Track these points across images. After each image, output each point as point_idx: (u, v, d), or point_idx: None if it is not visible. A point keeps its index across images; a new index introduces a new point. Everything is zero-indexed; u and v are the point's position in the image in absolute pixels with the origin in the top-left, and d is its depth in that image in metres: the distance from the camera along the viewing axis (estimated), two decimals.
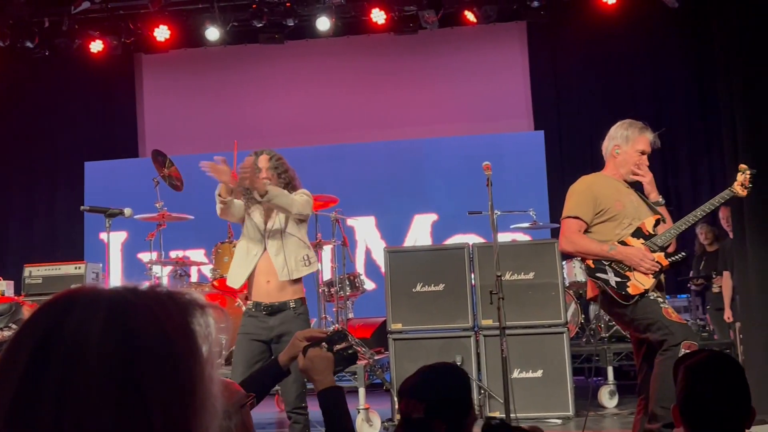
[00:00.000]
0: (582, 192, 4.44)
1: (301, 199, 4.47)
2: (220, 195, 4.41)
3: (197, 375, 0.87)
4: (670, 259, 4.34)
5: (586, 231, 4.42)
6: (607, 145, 4.58)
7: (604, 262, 4.33)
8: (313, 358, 2.39)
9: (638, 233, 4.37)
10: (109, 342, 0.83)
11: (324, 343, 2.43)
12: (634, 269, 4.27)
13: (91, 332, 0.83)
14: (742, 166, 4.54)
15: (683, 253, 4.44)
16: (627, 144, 4.50)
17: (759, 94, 6.12)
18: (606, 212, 4.39)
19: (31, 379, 0.82)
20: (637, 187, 4.72)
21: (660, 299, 4.26)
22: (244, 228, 4.61)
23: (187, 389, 0.85)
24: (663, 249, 4.35)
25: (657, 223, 4.42)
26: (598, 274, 4.33)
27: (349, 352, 2.44)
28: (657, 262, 4.29)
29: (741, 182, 4.47)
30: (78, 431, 0.80)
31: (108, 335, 0.83)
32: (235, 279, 4.56)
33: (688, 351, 3.97)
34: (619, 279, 4.29)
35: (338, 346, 2.43)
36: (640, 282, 4.26)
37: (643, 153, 4.48)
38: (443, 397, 1.93)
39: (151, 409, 0.82)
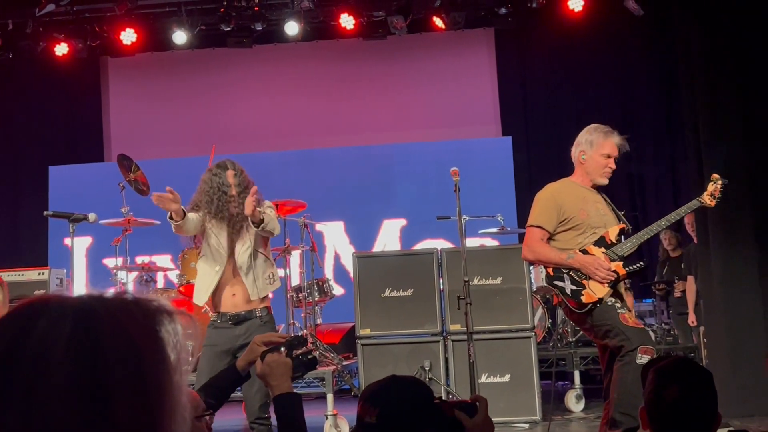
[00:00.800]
0: (546, 200, 4.48)
1: (275, 217, 4.48)
2: (171, 218, 4.35)
3: (165, 384, 0.85)
4: (627, 269, 4.38)
5: (550, 238, 4.47)
6: (574, 151, 4.62)
7: (563, 270, 4.38)
8: (271, 363, 2.37)
9: (601, 242, 4.41)
10: (75, 353, 0.81)
11: (283, 348, 2.40)
12: (590, 278, 4.32)
13: (57, 343, 0.82)
14: (715, 176, 4.56)
15: (641, 264, 4.46)
16: (592, 149, 4.53)
17: (721, 100, 6.22)
18: (570, 221, 4.43)
19: None
20: (608, 193, 4.78)
21: (618, 305, 4.31)
22: (204, 244, 4.56)
23: (155, 398, 0.84)
24: (623, 258, 4.39)
25: (621, 232, 4.45)
26: (556, 282, 4.40)
27: (309, 357, 2.42)
28: (614, 271, 4.33)
29: (711, 192, 4.51)
30: (44, 430, 0.79)
31: (74, 346, 0.82)
32: (199, 296, 4.55)
33: (644, 356, 4.04)
34: (574, 287, 4.34)
35: (297, 351, 2.40)
36: (593, 291, 4.31)
37: (608, 157, 4.50)
38: (396, 408, 1.93)
39: (119, 419, 0.81)
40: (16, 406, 0.79)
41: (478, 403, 2.05)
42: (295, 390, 2.41)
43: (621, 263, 4.36)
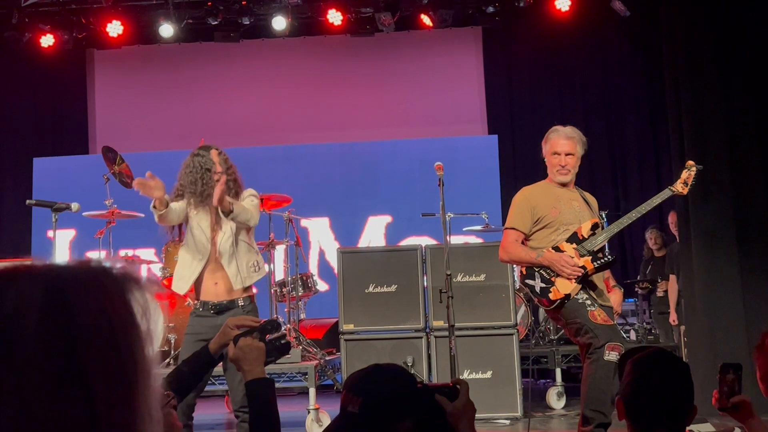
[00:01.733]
0: (519, 203, 4.63)
1: (254, 207, 4.44)
2: (155, 207, 4.33)
3: (138, 352, 0.85)
4: (595, 264, 4.43)
5: (527, 239, 4.58)
6: None
7: (535, 269, 4.49)
8: (244, 347, 2.36)
9: (573, 238, 4.50)
10: (47, 322, 0.80)
11: (256, 333, 2.39)
12: (558, 275, 4.39)
13: (29, 312, 0.80)
14: (690, 162, 4.65)
15: (609, 258, 4.51)
16: (545, 149, 4.71)
17: (705, 101, 6.27)
18: (542, 220, 4.55)
19: None
20: (592, 192, 4.86)
21: (588, 302, 4.37)
22: (187, 233, 4.53)
23: (129, 367, 0.83)
24: (592, 253, 4.45)
25: (594, 227, 4.52)
26: (527, 280, 4.52)
27: (282, 342, 2.41)
28: (583, 266, 4.39)
29: (684, 179, 4.57)
30: (18, 413, 0.78)
31: (46, 315, 0.81)
32: (179, 284, 4.47)
33: (612, 352, 4.10)
34: (543, 285, 4.44)
35: (271, 336, 2.39)
36: (560, 288, 4.39)
37: (557, 154, 4.61)
38: (379, 397, 1.93)
39: (93, 388, 0.80)
40: None
41: (459, 387, 2.06)
42: (277, 384, 2.40)
43: (590, 258, 4.43)
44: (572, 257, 4.41)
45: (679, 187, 4.58)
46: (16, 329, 0.80)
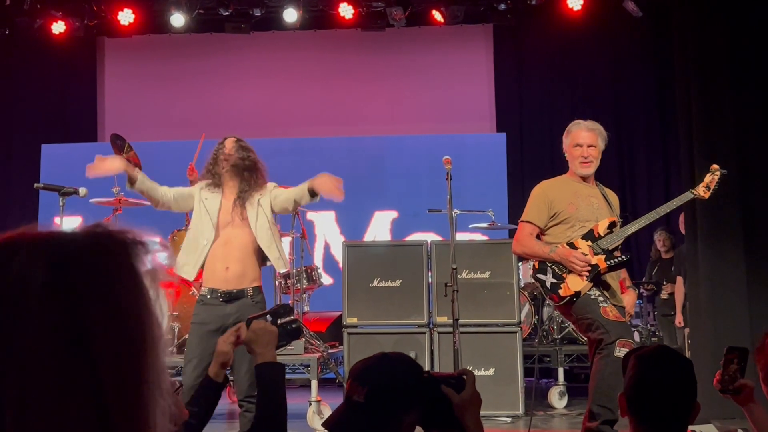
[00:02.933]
0: (537, 197, 4.59)
1: (288, 192, 4.58)
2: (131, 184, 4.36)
3: (145, 319, 0.82)
4: (608, 263, 4.38)
5: (543, 233, 4.52)
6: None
7: (547, 264, 4.45)
8: (257, 330, 2.35)
9: (589, 235, 4.46)
10: (51, 290, 0.78)
11: (268, 316, 2.39)
12: (570, 271, 4.36)
13: (34, 280, 0.78)
14: (714, 166, 4.56)
15: (623, 257, 4.46)
16: (566, 143, 4.67)
17: (715, 103, 6.24)
18: (559, 215, 4.51)
19: None
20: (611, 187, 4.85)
21: (600, 298, 4.35)
22: (195, 217, 4.51)
23: (136, 335, 0.80)
24: (606, 252, 4.41)
25: (611, 225, 4.47)
26: (539, 275, 4.49)
27: (293, 326, 2.40)
28: (595, 264, 4.35)
29: (707, 183, 4.50)
30: (22, 382, 0.76)
31: (50, 283, 0.78)
32: (186, 269, 4.40)
33: (623, 349, 4.08)
34: (554, 280, 4.42)
35: (282, 320, 2.39)
36: (571, 284, 4.36)
37: (579, 146, 4.58)
38: (385, 387, 1.90)
39: (101, 359, 0.78)
40: None
41: (465, 377, 2.03)
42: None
43: (603, 257, 4.38)
44: (586, 254, 4.37)
45: (701, 190, 4.51)
46: (19, 304, 0.77)
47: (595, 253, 4.39)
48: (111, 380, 0.78)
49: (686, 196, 4.55)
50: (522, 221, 4.59)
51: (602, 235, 4.44)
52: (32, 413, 0.75)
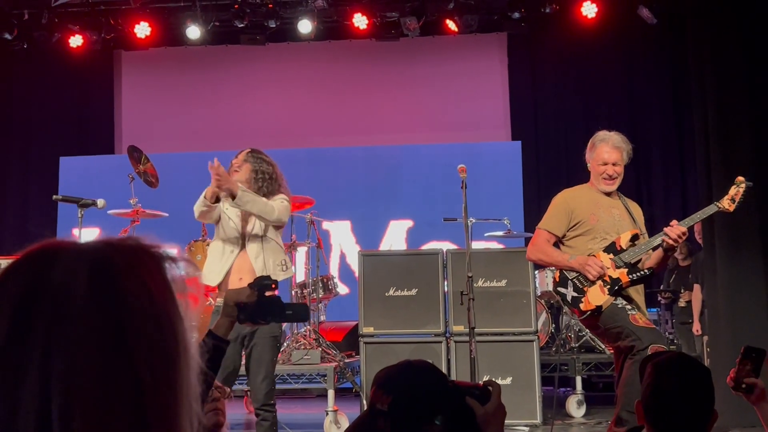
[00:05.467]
0: (558, 205, 4.50)
1: (279, 206, 4.44)
2: (206, 197, 4.37)
3: (179, 330, 0.86)
4: (630, 277, 4.28)
5: (560, 242, 4.46)
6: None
7: (568, 277, 4.35)
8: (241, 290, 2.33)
9: (611, 248, 4.35)
10: (94, 297, 0.81)
11: (255, 287, 2.31)
12: (592, 284, 4.27)
13: (77, 287, 0.81)
14: (739, 178, 4.38)
15: (645, 271, 4.32)
16: (591, 156, 4.55)
17: (731, 111, 6.22)
18: (580, 225, 4.41)
19: (17, 333, 0.80)
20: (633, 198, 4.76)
21: (628, 307, 4.26)
22: (218, 227, 4.57)
23: (171, 344, 0.85)
24: (629, 265, 4.29)
25: (633, 238, 4.36)
26: (559, 288, 4.39)
27: (279, 304, 2.30)
28: (617, 278, 4.26)
29: (732, 196, 4.33)
30: (65, 386, 0.78)
31: (93, 291, 0.82)
32: (211, 276, 4.44)
33: None
34: (575, 294, 4.32)
35: (269, 293, 2.33)
36: (592, 298, 4.26)
37: (604, 164, 4.46)
38: (410, 396, 1.89)
39: (138, 365, 0.81)
40: (38, 347, 0.79)
41: (491, 388, 2.01)
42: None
43: (626, 270, 4.28)
44: (608, 268, 4.27)
45: (726, 203, 4.32)
46: (64, 303, 0.80)
47: (617, 267, 4.28)
48: (149, 382, 0.82)
49: (710, 209, 4.37)
50: (539, 228, 4.50)
51: (624, 248, 4.32)
52: (77, 411, 0.78)
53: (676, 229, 4.21)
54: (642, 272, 4.33)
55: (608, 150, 4.48)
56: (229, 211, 4.49)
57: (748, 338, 5.90)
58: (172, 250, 0.91)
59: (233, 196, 4.26)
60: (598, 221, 4.40)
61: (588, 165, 4.58)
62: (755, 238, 6.02)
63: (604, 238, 4.38)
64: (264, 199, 4.40)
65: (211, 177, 4.30)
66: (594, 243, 4.38)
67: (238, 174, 4.47)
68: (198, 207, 4.41)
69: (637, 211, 4.60)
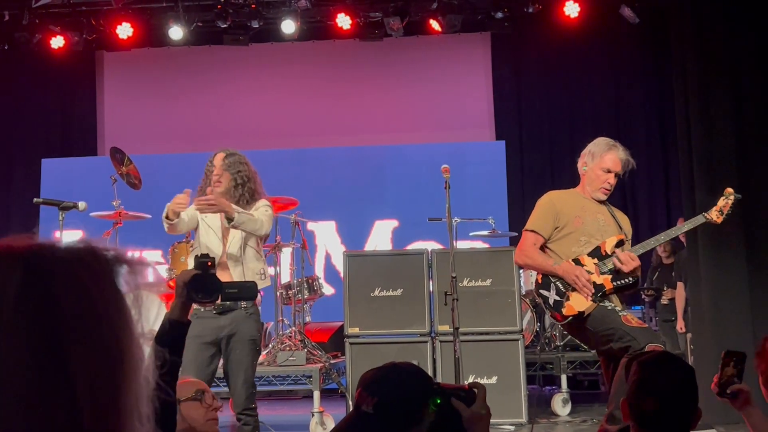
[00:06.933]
0: (543, 206, 4.43)
1: (266, 218, 4.44)
2: (167, 217, 4.34)
3: (125, 339, 0.80)
4: (615, 284, 4.23)
5: (546, 246, 4.40)
6: (579, 162, 4.53)
7: (551, 279, 4.29)
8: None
9: (595, 252, 4.29)
10: (25, 306, 0.76)
11: (196, 266, 2.26)
12: (574, 289, 4.20)
13: (6, 297, 0.76)
14: (728, 190, 4.37)
15: (629, 279, 4.26)
16: (593, 161, 4.43)
17: (715, 109, 6.25)
18: (564, 228, 4.35)
19: None
20: (617, 205, 4.70)
21: (618, 308, 4.20)
22: (198, 234, 4.54)
23: (115, 356, 0.79)
24: (613, 272, 4.23)
25: (619, 243, 4.31)
26: (542, 291, 4.33)
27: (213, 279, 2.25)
28: (601, 285, 4.20)
29: (720, 207, 4.30)
30: None
31: (24, 298, 0.76)
32: None
33: None
34: (557, 297, 4.25)
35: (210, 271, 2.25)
36: (575, 304, 4.20)
37: (608, 171, 4.38)
38: (395, 398, 1.89)
39: (75, 376, 0.76)
40: None
41: (476, 390, 2.02)
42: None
43: (610, 277, 4.23)
44: (591, 273, 4.21)
45: (714, 215, 4.30)
46: None
47: (602, 273, 4.23)
48: (87, 398, 0.76)
49: (698, 220, 4.36)
50: (526, 230, 4.42)
51: (609, 253, 4.27)
52: (5, 426, 0.74)
53: (625, 258, 4.22)
54: (626, 279, 4.26)
55: (616, 160, 4.40)
56: (208, 219, 4.47)
57: (732, 337, 5.94)
58: (131, 254, 0.85)
59: (230, 219, 4.26)
60: (583, 224, 4.33)
61: (583, 167, 4.47)
62: (738, 236, 6.05)
63: (588, 241, 4.32)
64: (254, 215, 4.39)
65: (199, 205, 4.28)
66: (578, 246, 4.32)
67: (220, 186, 4.44)
68: (165, 225, 4.40)
69: (623, 219, 4.54)
